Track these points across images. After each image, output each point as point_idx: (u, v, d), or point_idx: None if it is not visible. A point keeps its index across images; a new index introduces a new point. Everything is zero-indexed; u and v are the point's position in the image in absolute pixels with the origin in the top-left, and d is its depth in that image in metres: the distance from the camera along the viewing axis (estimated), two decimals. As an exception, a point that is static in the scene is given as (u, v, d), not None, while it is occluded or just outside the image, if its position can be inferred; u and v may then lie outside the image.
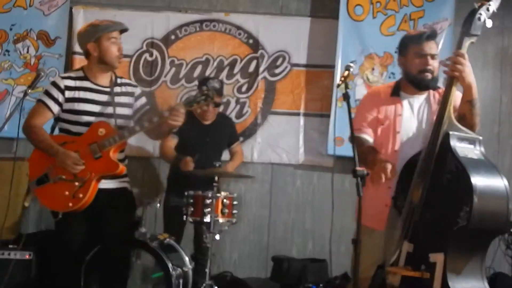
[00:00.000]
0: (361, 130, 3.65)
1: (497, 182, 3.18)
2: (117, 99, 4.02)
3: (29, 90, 4.65)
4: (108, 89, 4.01)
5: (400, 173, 3.51)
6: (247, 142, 5.90)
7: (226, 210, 4.68)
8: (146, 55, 5.94)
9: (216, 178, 4.65)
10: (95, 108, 3.94)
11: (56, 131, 4.12)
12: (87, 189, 3.80)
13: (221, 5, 6.08)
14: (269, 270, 5.72)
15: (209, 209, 4.57)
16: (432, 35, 3.70)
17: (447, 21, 5.82)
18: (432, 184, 3.27)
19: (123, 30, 4.09)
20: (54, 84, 3.97)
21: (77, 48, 5.84)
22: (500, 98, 6.10)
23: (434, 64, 3.64)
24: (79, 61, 5.83)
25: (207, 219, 4.58)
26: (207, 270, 4.60)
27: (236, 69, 5.95)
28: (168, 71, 5.93)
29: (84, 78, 4.00)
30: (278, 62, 5.95)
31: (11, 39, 5.84)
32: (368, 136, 3.68)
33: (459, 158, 3.19)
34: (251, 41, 5.98)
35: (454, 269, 3.16)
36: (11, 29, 5.86)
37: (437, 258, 3.18)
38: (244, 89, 5.95)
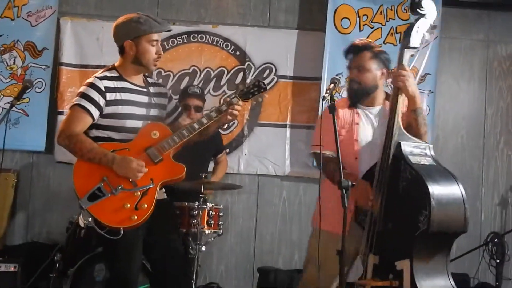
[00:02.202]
0: (324, 147, 3.66)
1: (452, 184, 3.32)
2: (156, 100, 3.68)
3: (16, 101, 4.67)
4: (145, 89, 3.64)
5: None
6: (233, 153, 5.91)
7: (212, 222, 4.69)
8: (133, 66, 5.92)
9: (202, 189, 4.65)
10: (139, 111, 3.57)
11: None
12: (152, 198, 3.39)
13: (209, 17, 6.10)
14: (255, 282, 5.72)
15: (195, 221, 4.57)
16: (358, 49, 3.81)
17: (433, 34, 5.85)
18: (389, 194, 3.39)
19: (168, 30, 3.77)
20: (92, 85, 3.48)
21: (64, 59, 5.87)
22: (485, 110, 6.15)
23: (360, 76, 3.77)
24: (66, 72, 5.86)
25: (193, 230, 4.58)
26: (193, 281, 4.60)
27: (223, 81, 5.97)
28: (155, 82, 5.93)
29: (120, 78, 3.58)
30: (265, 74, 5.96)
31: (-2, 50, 5.83)
32: (333, 152, 3.67)
33: (412, 165, 3.33)
34: (238, 53, 6.00)
35: (420, 271, 3.26)
36: (-3, 40, 5.85)
37: (404, 264, 3.28)
38: (231, 100, 5.96)
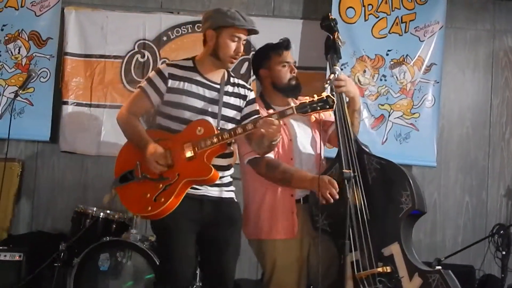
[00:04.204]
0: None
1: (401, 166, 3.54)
2: (226, 98, 3.58)
3: (20, 91, 4.67)
4: (218, 86, 3.57)
5: (311, 194, 3.59)
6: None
7: (218, 211, 4.67)
8: (138, 56, 5.92)
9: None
10: (201, 105, 3.50)
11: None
12: (171, 194, 3.31)
13: (213, 6, 6.02)
14: (260, 272, 5.71)
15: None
16: (289, 45, 3.90)
17: (439, 24, 5.83)
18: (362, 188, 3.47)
19: (252, 31, 3.58)
20: (158, 71, 3.53)
21: (68, 49, 5.85)
22: (491, 100, 6.12)
23: (294, 71, 3.84)
24: (71, 62, 5.84)
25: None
26: (197, 271, 4.60)
27: (228, 71, 5.95)
28: (160, 72, 5.92)
29: (193, 69, 3.55)
30: (270, 64, 5.94)
31: (2, 40, 5.79)
32: (271, 155, 3.65)
33: (377, 156, 3.53)
34: (243, 42, 5.97)
35: (409, 251, 3.41)
36: (2, 30, 5.81)
37: (392, 249, 3.38)
38: (236, 90, 5.95)
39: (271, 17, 6.07)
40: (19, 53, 5.81)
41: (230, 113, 3.60)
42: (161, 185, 3.34)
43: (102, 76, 5.86)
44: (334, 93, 3.37)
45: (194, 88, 3.50)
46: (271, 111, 3.62)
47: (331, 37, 3.80)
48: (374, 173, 3.46)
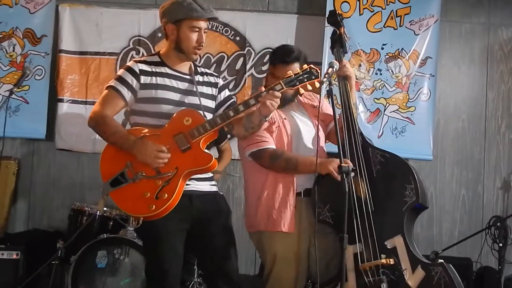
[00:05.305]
0: (268, 142, 3.63)
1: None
2: (199, 88, 3.51)
3: (15, 89, 4.66)
4: (188, 77, 3.51)
5: (314, 187, 3.58)
6: (234, 139, 5.87)
7: (214, 208, 4.66)
8: (133, 52, 5.91)
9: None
10: (176, 97, 3.43)
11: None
12: (174, 188, 3.21)
13: (208, 2, 5.98)
14: (257, 267, 5.72)
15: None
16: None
17: (434, 18, 5.83)
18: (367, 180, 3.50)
19: (212, 19, 3.56)
20: (128, 68, 3.43)
21: (63, 46, 5.85)
22: (486, 94, 6.13)
23: None
24: (66, 59, 5.83)
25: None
26: (195, 267, 4.60)
27: (223, 66, 5.95)
28: (155, 68, 5.91)
29: (161, 63, 3.48)
30: (265, 59, 5.92)
31: (-3, 38, 5.80)
32: (273, 146, 3.65)
33: (383, 149, 3.55)
34: (238, 38, 5.97)
35: (411, 245, 3.43)
36: (-4, 27, 5.81)
37: (395, 241, 3.41)
38: (231, 86, 5.95)
39: (266, 12, 6.07)
40: (13, 50, 5.79)
41: (206, 103, 3.55)
42: (160, 182, 3.22)
43: (97, 73, 5.86)
44: (332, 87, 3.35)
45: (167, 81, 3.44)
46: None
47: (337, 31, 3.80)
48: (379, 166, 3.48)
